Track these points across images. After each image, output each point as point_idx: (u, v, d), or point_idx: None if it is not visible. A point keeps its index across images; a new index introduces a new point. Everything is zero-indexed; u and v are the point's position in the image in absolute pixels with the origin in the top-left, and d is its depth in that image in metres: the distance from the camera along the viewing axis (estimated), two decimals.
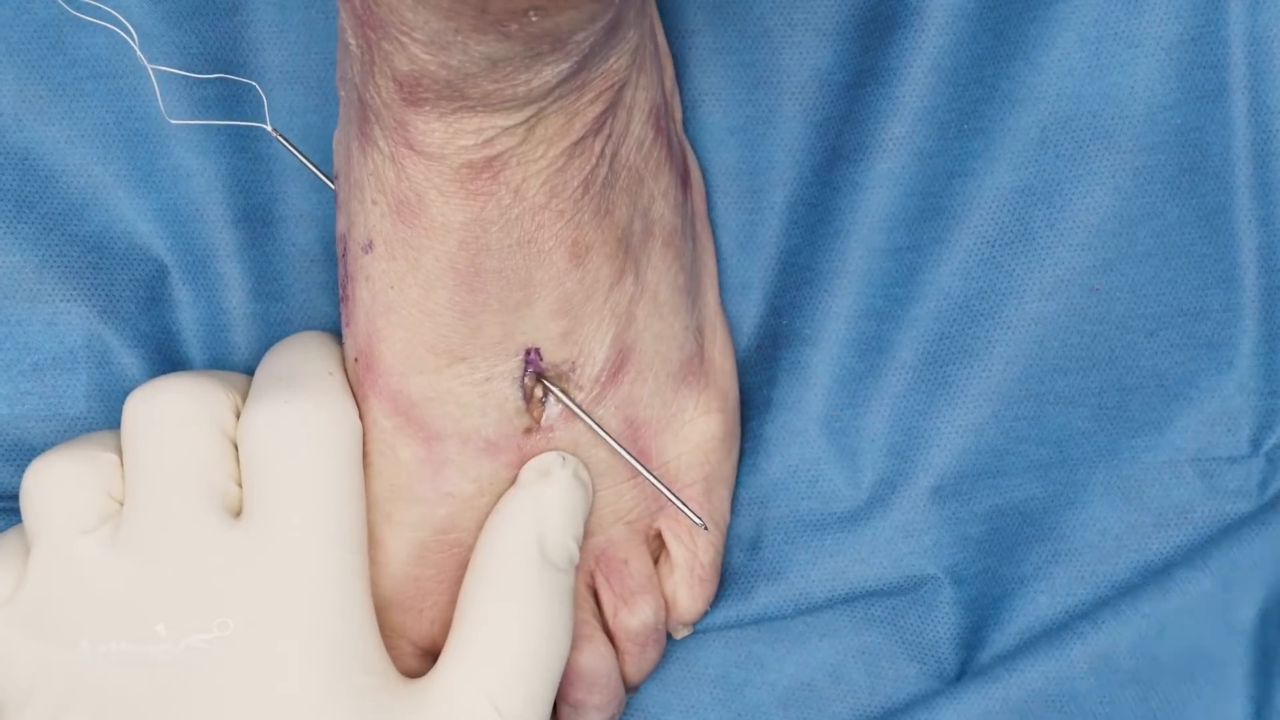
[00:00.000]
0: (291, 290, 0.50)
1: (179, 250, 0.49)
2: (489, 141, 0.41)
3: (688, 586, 0.49)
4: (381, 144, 0.42)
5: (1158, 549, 0.49)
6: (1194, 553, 0.49)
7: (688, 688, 0.50)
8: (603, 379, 0.45)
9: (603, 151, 0.43)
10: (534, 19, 0.36)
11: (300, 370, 0.45)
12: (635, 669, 0.49)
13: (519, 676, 0.43)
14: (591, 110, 0.42)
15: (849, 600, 0.50)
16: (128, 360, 0.49)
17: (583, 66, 0.40)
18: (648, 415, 0.47)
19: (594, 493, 0.47)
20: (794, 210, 0.50)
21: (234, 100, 0.49)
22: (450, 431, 0.45)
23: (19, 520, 0.46)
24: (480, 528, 0.46)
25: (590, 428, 0.45)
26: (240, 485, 0.44)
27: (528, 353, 0.44)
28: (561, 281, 0.44)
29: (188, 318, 0.49)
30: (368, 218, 0.43)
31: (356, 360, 0.45)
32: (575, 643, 0.47)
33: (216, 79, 0.49)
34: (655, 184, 0.46)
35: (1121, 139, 0.49)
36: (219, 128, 0.49)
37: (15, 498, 0.48)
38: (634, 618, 0.48)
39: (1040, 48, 0.49)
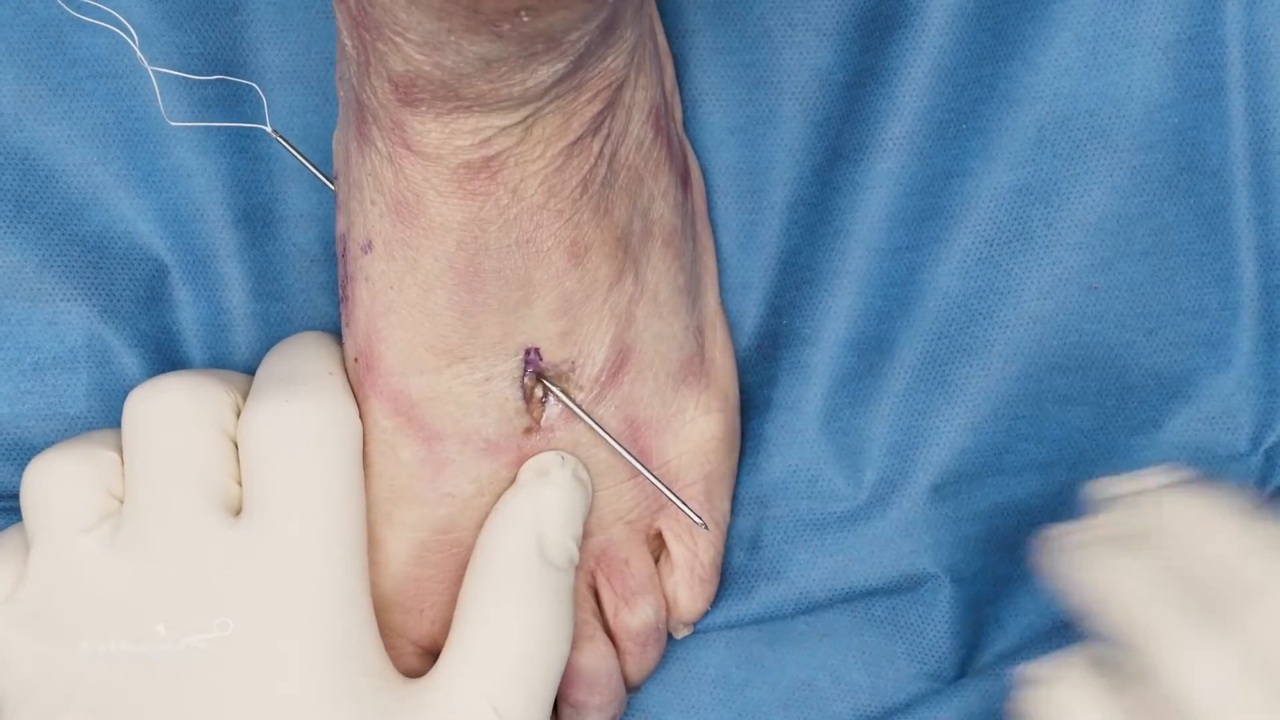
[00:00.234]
0: (291, 290, 0.50)
1: (179, 250, 0.49)
2: (486, 142, 0.41)
3: (688, 586, 0.49)
4: (379, 144, 0.42)
5: None
6: None
7: (688, 688, 0.50)
8: (603, 379, 0.45)
9: (601, 151, 0.43)
10: (526, 19, 0.36)
11: (301, 370, 0.45)
12: (636, 669, 0.49)
13: (518, 677, 0.43)
14: (589, 110, 0.42)
15: (849, 600, 0.50)
16: (128, 360, 0.49)
17: (579, 66, 0.40)
18: (648, 415, 0.47)
19: (594, 492, 0.47)
20: (794, 210, 0.50)
21: (234, 100, 0.49)
22: (450, 431, 0.45)
23: (19, 519, 0.46)
24: (480, 528, 0.46)
25: (590, 427, 0.45)
26: (240, 484, 0.44)
27: (527, 352, 0.44)
28: (561, 281, 0.44)
29: (188, 317, 0.50)
30: (367, 218, 0.43)
31: (356, 360, 0.45)
32: (576, 643, 0.47)
33: (216, 79, 0.49)
34: (655, 184, 0.46)
35: (1119, 138, 0.49)
36: (219, 128, 0.49)
37: (15, 497, 0.48)
38: (635, 617, 0.48)
39: (1037, 47, 0.49)
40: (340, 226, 0.46)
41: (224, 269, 0.49)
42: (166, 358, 0.49)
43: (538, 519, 0.45)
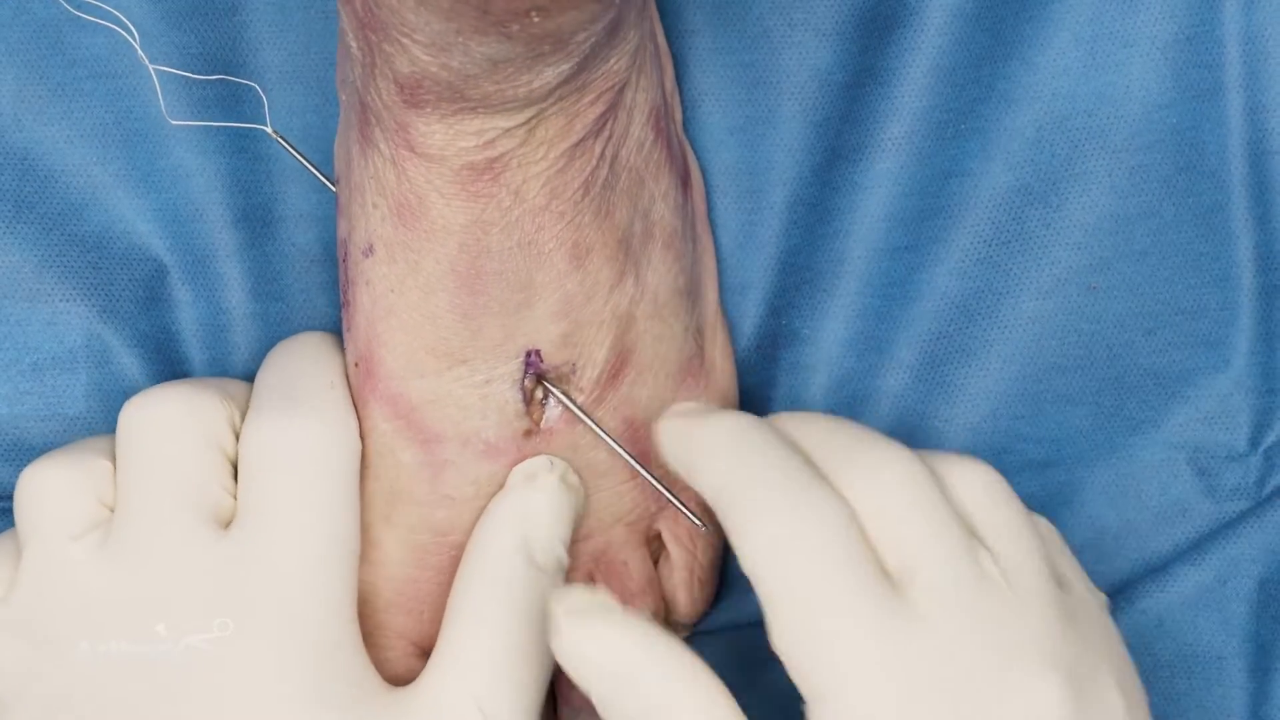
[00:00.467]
0: (291, 290, 0.50)
1: (179, 250, 0.49)
2: (490, 143, 0.41)
3: (687, 588, 0.49)
4: (382, 146, 0.42)
5: (1155, 547, 0.50)
6: (1191, 548, 0.49)
7: None
8: (603, 380, 0.46)
9: (603, 153, 0.43)
10: (536, 20, 0.36)
11: (302, 382, 0.45)
12: None
13: (505, 680, 0.43)
14: (592, 111, 0.42)
15: None
16: (127, 360, 0.49)
17: (583, 67, 0.40)
18: (647, 416, 0.47)
19: (594, 494, 0.47)
20: (793, 210, 0.50)
21: (234, 100, 0.49)
22: (450, 434, 0.45)
23: None
24: None
25: (590, 429, 0.45)
26: (231, 496, 0.44)
27: (528, 355, 0.44)
28: (562, 283, 0.44)
29: (187, 318, 0.49)
30: (368, 221, 0.43)
31: (357, 365, 0.45)
32: None
33: (216, 79, 0.49)
34: (656, 185, 0.46)
35: (1117, 138, 0.49)
36: (219, 128, 0.49)
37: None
38: None
39: (1035, 47, 0.49)
40: (341, 231, 0.46)
41: (224, 269, 0.49)
42: (166, 358, 0.49)
43: (526, 523, 0.45)
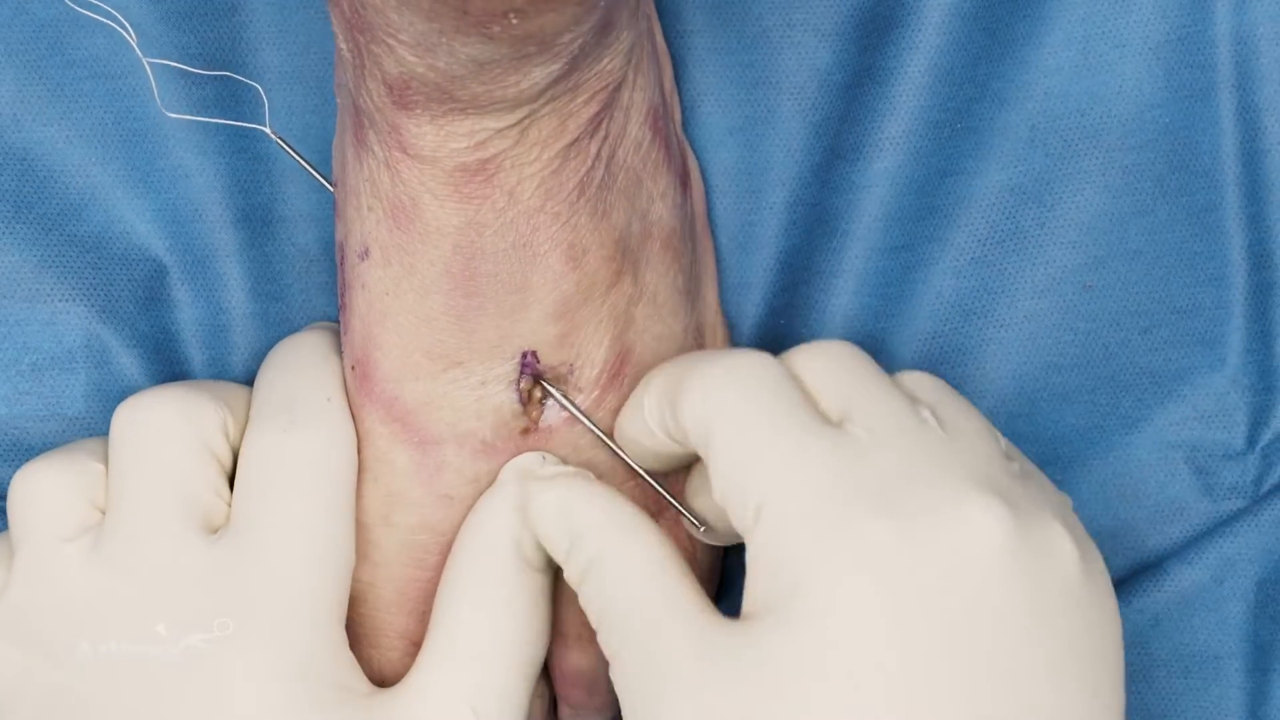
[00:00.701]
0: (291, 290, 0.50)
1: (178, 250, 0.49)
2: (481, 144, 0.41)
3: None
4: (376, 149, 0.42)
5: (1153, 546, 0.50)
6: (1187, 547, 0.49)
7: None
8: (602, 381, 0.45)
9: (599, 153, 0.43)
10: (515, 21, 0.36)
11: (301, 393, 0.45)
12: None
13: (494, 677, 0.43)
14: (586, 111, 0.42)
15: None
16: (127, 360, 0.49)
17: (574, 68, 0.40)
18: None
19: None
20: (793, 210, 0.50)
21: (233, 100, 0.49)
22: (447, 436, 0.45)
23: None
24: None
25: (589, 429, 0.45)
26: (223, 500, 0.44)
27: (524, 356, 0.44)
28: (558, 284, 0.44)
29: (187, 318, 0.50)
30: (364, 224, 0.44)
31: (354, 368, 0.45)
32: (576, 644, 0.47)
33: (216, 79, 0.49)
34: (654, 185, 0.46)
35: (1110, 137, 0.49)
36: (218, 128, 0.49)
37: None
38: None
39: (1029, 46, 0.49)
40: (338, 234, 0.46)
41: (223, 269, 0.49)
42: (165, 358, 0.49)
43: (516, 519, 0.45)
